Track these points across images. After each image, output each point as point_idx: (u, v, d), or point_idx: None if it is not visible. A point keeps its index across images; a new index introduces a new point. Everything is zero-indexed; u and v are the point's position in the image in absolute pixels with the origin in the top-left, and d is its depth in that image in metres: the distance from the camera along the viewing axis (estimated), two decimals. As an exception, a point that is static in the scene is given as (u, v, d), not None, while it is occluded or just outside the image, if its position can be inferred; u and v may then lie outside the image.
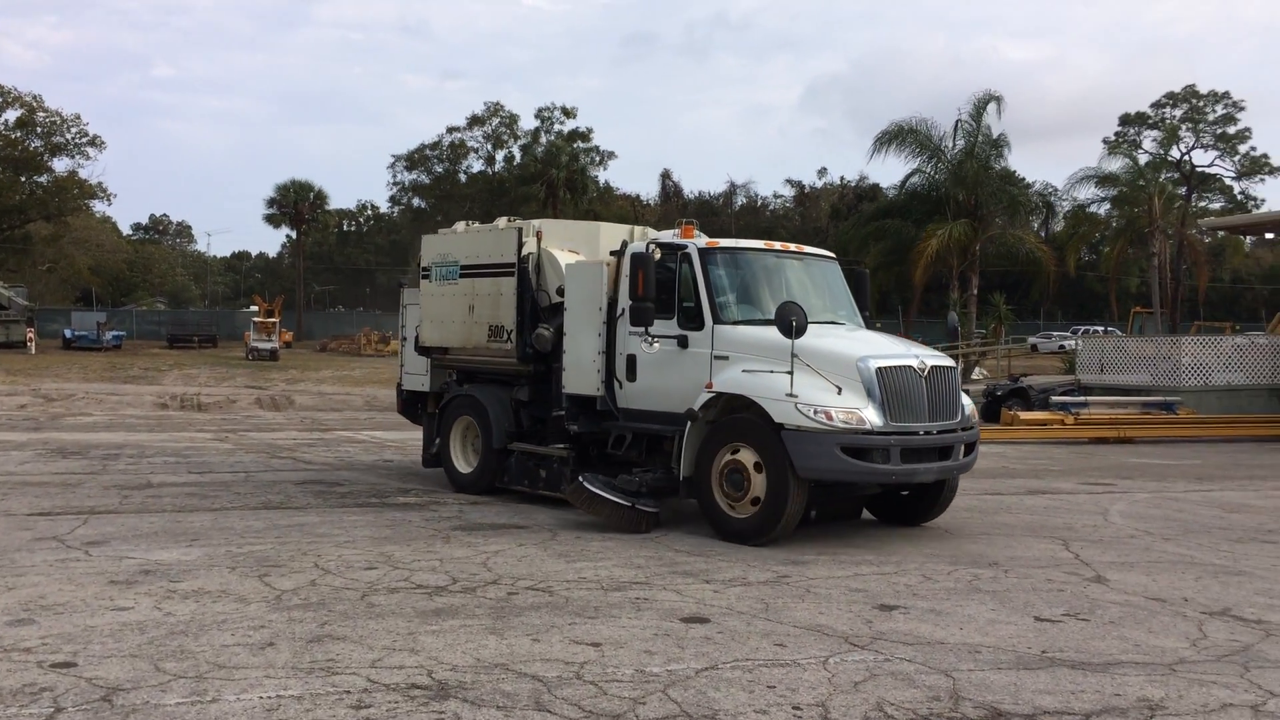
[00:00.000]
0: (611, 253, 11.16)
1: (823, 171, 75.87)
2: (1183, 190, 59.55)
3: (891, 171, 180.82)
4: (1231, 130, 64.91)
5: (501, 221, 12.95)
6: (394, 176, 73.75)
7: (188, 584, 7.71)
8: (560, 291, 11.49)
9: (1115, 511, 12.28)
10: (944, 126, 36.99)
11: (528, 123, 68.45)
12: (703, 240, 10.58)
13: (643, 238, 11.92)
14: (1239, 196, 66.72)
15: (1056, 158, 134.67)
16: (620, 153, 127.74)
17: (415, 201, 76.36)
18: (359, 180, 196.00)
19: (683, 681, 5.72)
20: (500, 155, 69.70)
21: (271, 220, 71.75)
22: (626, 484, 10.21)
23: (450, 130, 69.95)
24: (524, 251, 11.86)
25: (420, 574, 8.20)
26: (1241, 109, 64.63)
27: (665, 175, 71.19)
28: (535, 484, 11.74)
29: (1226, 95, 64.75)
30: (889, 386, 9.38)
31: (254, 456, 16.30)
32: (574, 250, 12.02)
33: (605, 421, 10.97)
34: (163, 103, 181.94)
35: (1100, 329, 54.27)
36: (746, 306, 10.35)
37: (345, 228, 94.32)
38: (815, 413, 9.10)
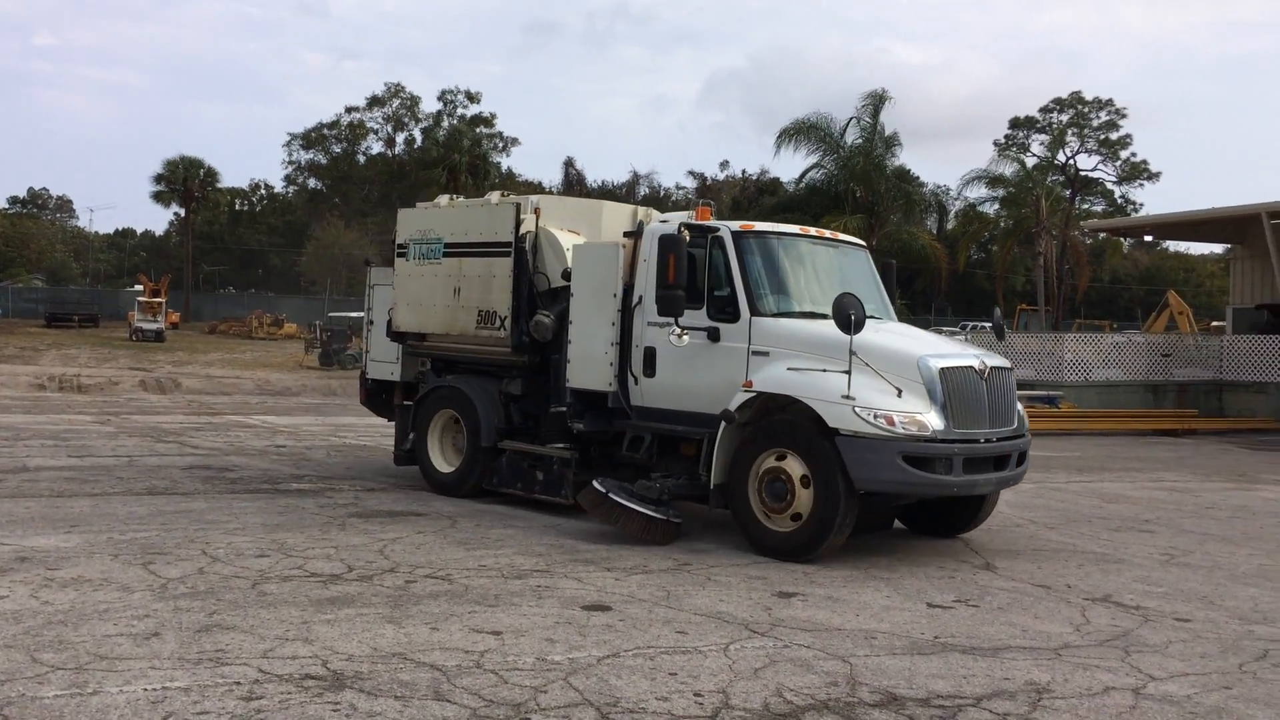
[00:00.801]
0: (626, 234, 10.24)
1: (725, 164, 76.38)
2: (1068, 193, 61.69)
3: (792, 166, 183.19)
4: (1114, 136, 67.45)
5: (494, 196, 11.91)
6: (290, 156, 72.03)
7: (66, 572, 7.38)
8: (566, 275, 10.44)
9: (1002, 501, 12.64)
10: (843, 124, 37.62)
11: (429, 105, 67.50)
12: (736, 223, 9.68)
13: (646, 219, 11.05)
14: (1119, 200, 69.37)
15: (947, 158, 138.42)
16: (523, 139, 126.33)
17: (311, 182, 74.69)
18: (252, 159, 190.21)
19: (584, 669, 5.69)
20: (401, 138, 68.62)
21: (159, 198, 69.22)
22: (646, 490, 9.17)
23: (349, 110, 68.60)
24: (522, 230, 10.86)
25: (314, 562, 8.00)
26: (1124, 116, 67.16)
27: (569, 163, 70.48)
28: (531, 487, 10.62)
29: (1110, 103, 67.22)
30: (951, 389, 8.55)
31: (138, 440, 15.72)
32: (574, 230, 11.01)
33: (617, 420, 9.99)
34: (43, 72, 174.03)
35: (988, 325, 55.93)
36: (785, 297, 9.44)
37: (237, 207, 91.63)
38: (875, 417, 8.21)
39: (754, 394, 8.85)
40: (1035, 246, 44.87)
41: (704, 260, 9.42)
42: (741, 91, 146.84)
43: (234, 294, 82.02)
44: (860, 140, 36.57)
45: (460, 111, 65.87)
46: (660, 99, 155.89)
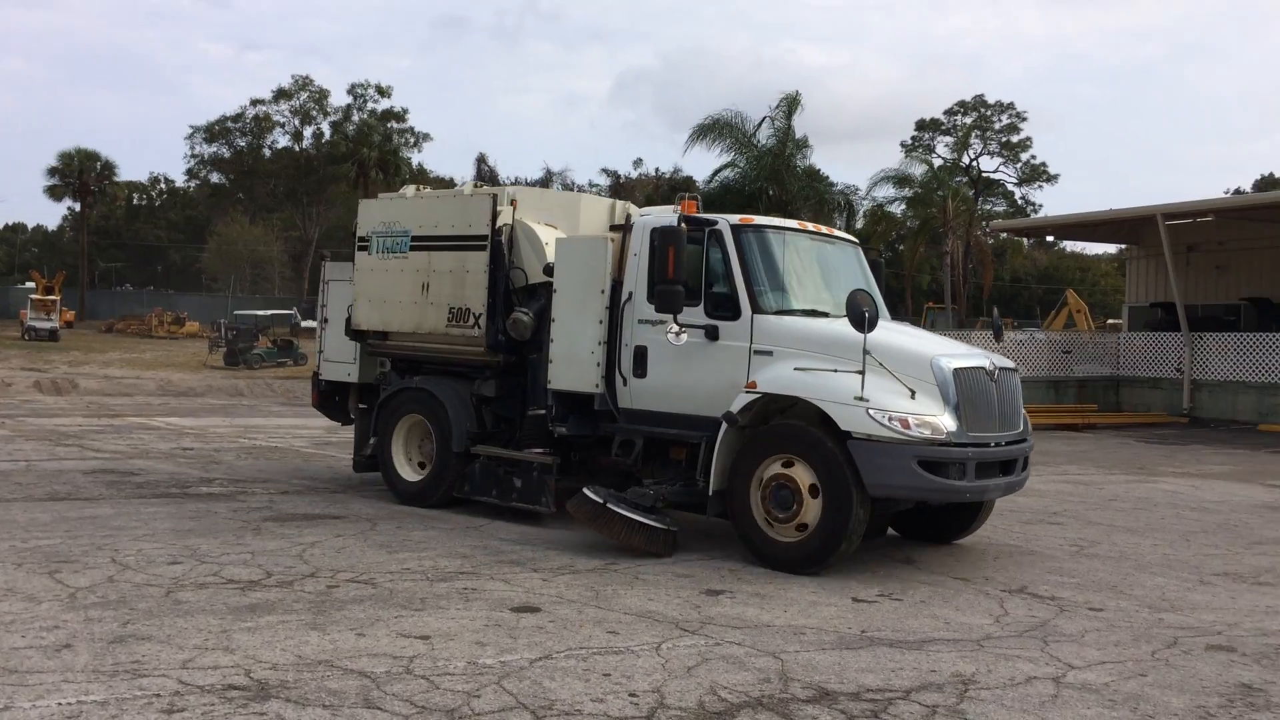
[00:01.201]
0: (613, 227, 9.94)
1: (638, 162, 76.53)
2: (972, 193, 63.26)
3: (704, 165, 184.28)
4: (1015, 139, 69.37)
5: (466, 187, 11.44)
6: (192, 149, 70.08)
7: (-34, 583, 7.05)
8: (548, 270, 9.93)
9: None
10: (756, 122, 38.01)
11: (339, 99, 66.38)
12: (735, 217, 9.23)
13: (624, 214, 10.66)
14: (1020, 201, 71.37)
15: (853, 159, 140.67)
16: (434, 135, 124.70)
17: (214, 176, 72.79)
18: (152, 152, 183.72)
19: (517, 673, 5.63)
20: (308, 132, 67.31)
21: (53, 192, 66.78)
22: (641, 498, 8.70)
23: (255, 103, 67.04)
24: (498, 223, 10.29)
25: (231, 568, 7.78)
26: (1024, 119, 69.13)
27: (481, 159, 69.96)
28: (508, 495, 10.01)
29: (1011, 106, 69.07)
30: (965, 390, 8.22)
31: (36, 444, 15.11)
32: (550, 224, 10.49)
33: (603, 424, 9.53)
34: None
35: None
36: (786, 294, 9.06)
37: (135, 201, 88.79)
38: (889, 419, 7.84)
39: (758, 395, 8.40)
40: (941, 246, 45.96)
41: (700, 255, 8.95)
42: (652, 90, 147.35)
43: (132, 291, 79.49)
44: (773, 140, 37.00)
45: (370, 106, 64.94)
46: (571, 96, 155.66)
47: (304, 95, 66.49)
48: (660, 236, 8.77)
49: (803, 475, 8.14)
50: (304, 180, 65.73)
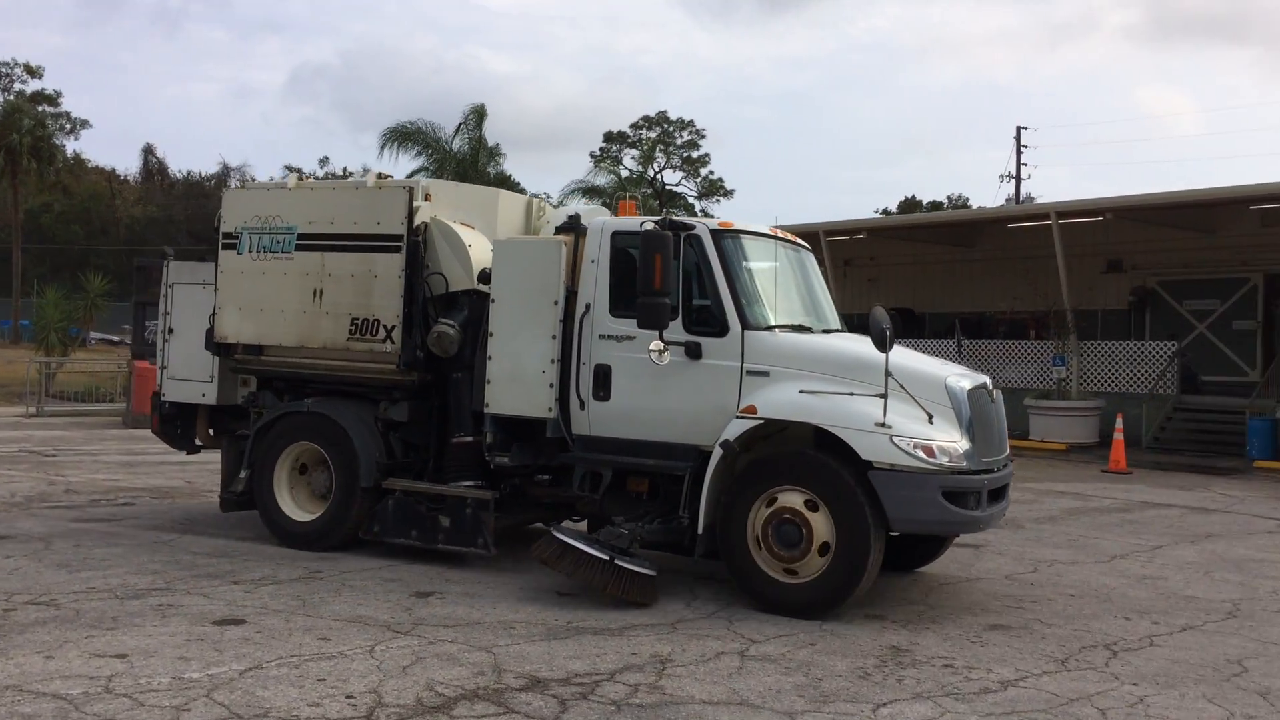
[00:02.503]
0: (558, 229, 8.84)
1: (324, 160, 73.70)
2: (656, 204, 66.24)
3: (395, 167, 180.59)
4: (695, 155, 73.38)
5: (370, 177, 9.68)
6: None
7: None
8: (484, 277, 8.78)
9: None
10: (446, 129, 38.16)
11: (-22, 77, 59.60)
12: (713, 220, 8.42)
13: (540, 210, 9.97)
14: (700, 214, 75.54)
15: (540, 167, 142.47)
16: (93, 121, 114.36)
17: None
18: None
19: (227, 684, 5.56)
20: (-59, 112, 59.91)
21: None
22: (614, 538, 7.68)
23: None
24: (415, 220, 9.02)
25: (-118, 597, 7.06)
26: (703, 137, 73.29)
27: (148, 150, 65.44)
28: (432, 537, 8.64)
29: (692, 123, 72.99)
30: (977, 413, 7.73)
31: None
32: (467, 223, 9.30)
33: (558, 454, 8.50)
34: None
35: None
36: (774, 308, 8.31)
37: None
38: (914, 447, 7.22)
39: (758, 421, 7.67)
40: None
41: (676, 264, 7.99)
42: (330, 86, 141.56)
43: None
44: (466, 149, 37.47)
45: (18, 87, 58.87)
46: (244, 88, 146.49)
47: (-65, 71, 59.25)
48: (645, 242, 7.76)
49: (810, 509, 7.44)
50: (-64, 166, 58.55)
